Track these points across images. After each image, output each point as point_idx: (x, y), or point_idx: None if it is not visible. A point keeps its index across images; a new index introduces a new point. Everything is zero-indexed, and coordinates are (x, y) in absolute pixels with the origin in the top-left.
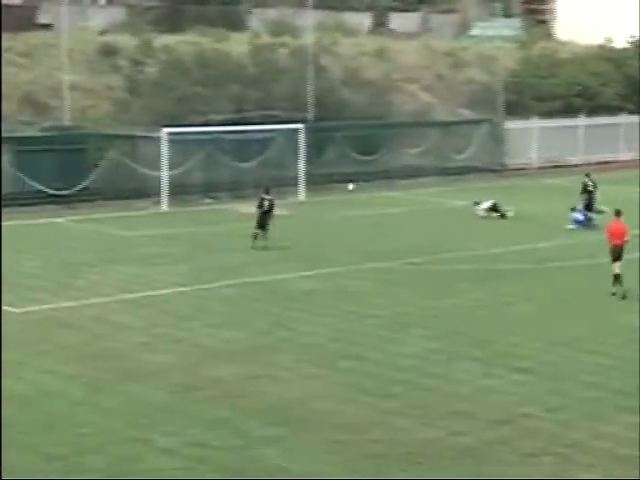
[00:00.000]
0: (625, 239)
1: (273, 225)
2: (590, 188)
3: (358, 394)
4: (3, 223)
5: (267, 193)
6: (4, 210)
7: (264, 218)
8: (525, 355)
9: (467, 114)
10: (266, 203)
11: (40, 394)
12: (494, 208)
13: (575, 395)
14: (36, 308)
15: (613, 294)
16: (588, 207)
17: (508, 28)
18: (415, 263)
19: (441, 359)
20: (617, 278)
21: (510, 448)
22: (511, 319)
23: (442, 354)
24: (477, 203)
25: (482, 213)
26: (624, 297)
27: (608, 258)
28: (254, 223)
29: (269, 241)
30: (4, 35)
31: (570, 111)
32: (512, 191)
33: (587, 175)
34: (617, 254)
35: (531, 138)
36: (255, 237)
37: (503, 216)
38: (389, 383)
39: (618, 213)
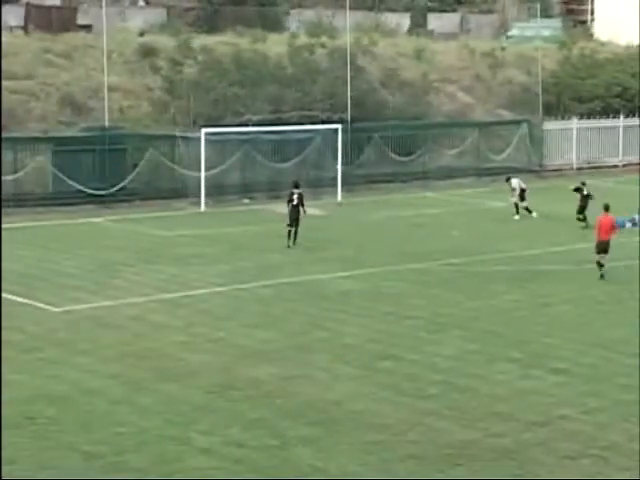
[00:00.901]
0: (611, 234)
1: (303, 219)
2: (585, 193)
3: (395, 395)
4: (42, 223)
5: (296, 187)
6: (42, 210)
7: (294, 212)
8: (562, 356)
9: (506, 115)
10: (295, 197)
11: (79, 393)
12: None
13: (612, 397)
14: (75, 307)
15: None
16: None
17: (547, 28)
18: (453, 264)
19: (479, 360)
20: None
21: (547, 450)
22: (548, 320)
23: (480, 355)
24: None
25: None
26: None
27: None
28: (287, 220)
29: (300, 237)
30: (44, 36)
31: (609, 112)
32: (551, 192)
33: (583, 183)
34: (602, 248)
35: (570, 139)
36: (289, 234)
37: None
38: (427, 384)
39: (607, 208)
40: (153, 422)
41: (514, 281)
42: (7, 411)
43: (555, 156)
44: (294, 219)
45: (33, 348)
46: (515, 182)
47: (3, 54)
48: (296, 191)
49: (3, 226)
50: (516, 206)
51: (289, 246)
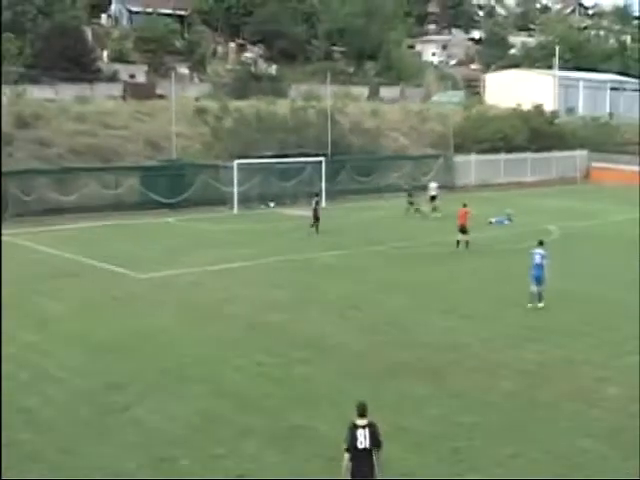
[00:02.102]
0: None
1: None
2: (411, 200)
3: (359, 332)
4: (133, 222)
5: (317, 195)
6: (133, 213)
7: (316, 212)
8: (468, 307)
9: (430, 151)
10: (313, 202)
11: (156, 330)
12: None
13: (498, 331)
14: (154, 275)
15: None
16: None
17: (455, 97)
18: (397, 247)
19: (413, 310)
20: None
21: (457, 367)
22: (459, 284)
23: (414, 307)
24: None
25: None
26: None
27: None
28: (311, 219)
29: (301, 231)
30: (135, 102)
31: (495, 150)
32: (457, 201)
33: (409, 195)
34: (461, 230)
35: (470, 167)
36: (312, 226)
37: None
38: (380, 325)
39: (465, 205)
40: (203, 350)
41: (439, 259)
42: (111, 340)
43: (461, 177)
44: (316, 217)
45: (129, 300)
46: (433, 185)
47: (110, 113)
48: (316, 198)
49: (107, 223)
50: (434, 207)
51: (309, 234)
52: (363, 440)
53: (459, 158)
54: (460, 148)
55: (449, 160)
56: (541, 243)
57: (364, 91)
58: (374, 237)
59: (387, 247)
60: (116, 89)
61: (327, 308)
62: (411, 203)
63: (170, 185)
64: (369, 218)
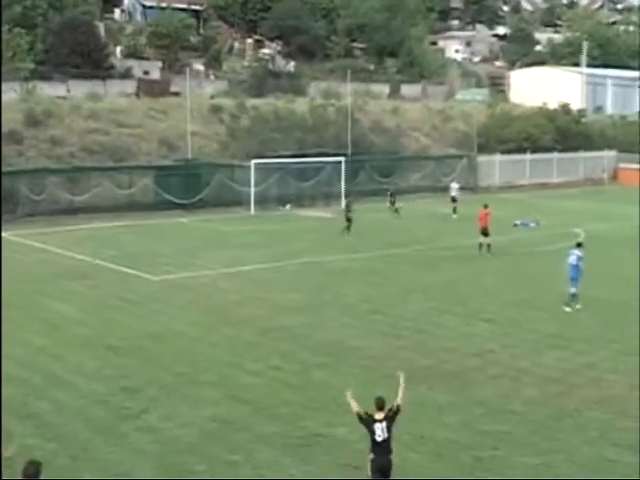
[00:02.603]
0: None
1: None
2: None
3: (379, 336)
4: (147, 222)
5: (348, 196)
6: (147, 213)
7: (349, 214)
8: (490, 310)
9: (452, 151)
10: (345, 203)
11: (171, 333)
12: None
13: (521, 337)
14: (168, 277)
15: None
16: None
17: (479, 95)
18: (417, 250)
19: (434, 313)
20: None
21: (479, 372)
22: (480, 286)
23: (435, 310)
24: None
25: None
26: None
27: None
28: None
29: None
30: (149, 99)
31: (520, 150)
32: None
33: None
34: (483, 232)
35: (494, 167)
36: (345, 229)
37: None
38: (400, 329)
39: (486, 206)
40: (218, 353)
41: (459, 261)
42: (124, 343)
43: (485, 179)
44: (349, 219)
45: (141, 303)
46: (454, 186)
47: (123, 110)
48: (348, 199)
49: (120, 224)
50: (454, 209)
51: (341, 234)
52: (381, 433)
53: (483, 158)
54: (484, 148)
55: (472, 160)
56: (579, 245)
57: (385, 89)
58: (394, 239)
59: (408, 250)
60: (129, 86)
61: (346, 311)
62: (392, 203)
63: (185, 185)
64: (389, 220)
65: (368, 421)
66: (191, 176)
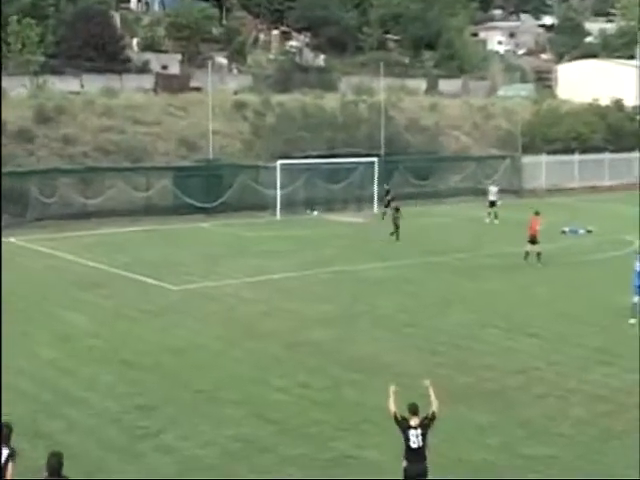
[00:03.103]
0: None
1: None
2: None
3: (415, 351)
4: (165, 227)
5: (392, 199)
6: (166, 218)
7: (396, 219)
8: (535, 324)
9: (494, 152)
10: (392, 208)
11: (191, 347)
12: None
13: (569, 354)
14: (189, 286)
15: None
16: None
17: (524, 90)
18: (457, 258)
19: (474, 326)
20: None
21: (523, 392)
22: (525, 298)
23: (475, 323)
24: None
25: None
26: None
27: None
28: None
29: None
30: (168, 95)
31: (568, 150)
32: (525, 207)
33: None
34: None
35: (540, 169)
36: (392, 234)
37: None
38: (437, 344)
39: (537, 213)
40: (242, 369)
41: (502, 270)
42: (142, 359)
43: (530, 181)
44: (397, 225)
45: (160, 314)
46: (493, 189)
47: (140, 107)
48: (395, 204)
49: (137, 229)
50: (495, 214)
51: (393, 240)
52: (416, 439)
53: (528, 159)
54: (529, 148)
55: (516, 161)
56: None
57: (421, 84)
58: (432, 247)
59: (446, 258)
60: (147, 81)
61: (379, 324)
62: (388, 203)
63: (206, 187)
64: (427, 226)
65: (403, 425)
66: (212, 178)
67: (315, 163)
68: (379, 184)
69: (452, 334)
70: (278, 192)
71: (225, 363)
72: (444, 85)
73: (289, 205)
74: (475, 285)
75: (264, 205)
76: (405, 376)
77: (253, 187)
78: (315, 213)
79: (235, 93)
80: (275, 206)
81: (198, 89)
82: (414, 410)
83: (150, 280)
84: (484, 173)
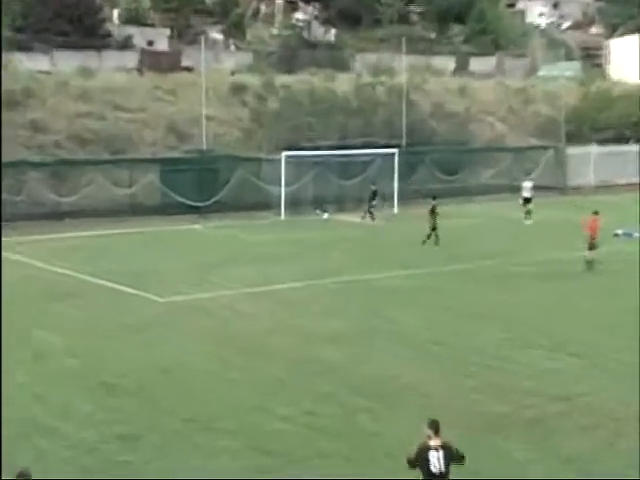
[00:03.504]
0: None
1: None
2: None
3: (441, 373)
4: (152, 229)
5: (434, 199)
6: (152, 218)
7: (434, 219)
8: (580, 342)
9: (534, 142)
10: (430, 205)
11: (179, 367)
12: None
13: (620, 377)
14: (177, 298)
15: None
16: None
17: (569, 70)
18: (489, 265)
19: (510, 345)
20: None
21: (568, 421)
22: (568, 312)
23: (511, 341)
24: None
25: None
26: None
27: None
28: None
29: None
30: (155, 76)
31: (621, 140)
32: (570, 206)
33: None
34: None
35: (588, 162)
36: (429, 237)
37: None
38: (467, 364)
39: (596, 213)
40: (240, 393)
41: (542, 279)
42: (122, 380)
43: (576, 176)
44: (434, 226)
45: (143, 330)
46: (527, 185)
47: (121, 90)
48: (433, 202)
49: (119, 231)
50: (528, 212)
51: (423, 243)
52: (437, 463)
53: (573, 150)
54: (575, 137)
55: (560, 153)
56: None
57: (449, 63)
58: (460, 251)
59: (477, 264)
60: (130, 59)
61: (399, 342)
62: (369, 210)
63: (199, 183)
64: (454, 228)
65: (422, 451)
66: (206, 172)
67: (326, 155)
68: (400, 179)
69: (484, 353)
70: (282, 189)
71: (219, 386)
72: (475, 64)
73: (295, 204)
74: (510, 297)
75: (266, 204)
76: (429, 402)
77: (253, 183)
78: (326, 215)
79: (232, 74)
80: (279, 205)
81: (189, 69)
82: (436, 427)
83: (133, 290)
84: (522, 167)
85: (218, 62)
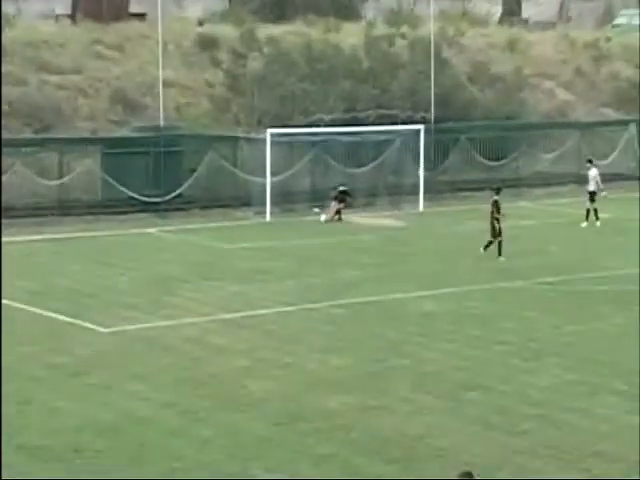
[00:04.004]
0: None
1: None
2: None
3: (483, 430)
4: (90, 233)
5: (497, 194)
6: (91, 219)
7: (497, 221)
8: None
9: (611, 114)
10: (491, 202)
11: (131, 423)
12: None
13: None
14: (127, 327)
15: None
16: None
17: None
18: (550, 282)
19: (579, 392)
20: None
21: None
22: None
23: (580, 386)
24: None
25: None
26: None
27: None
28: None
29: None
30: (94, 26)
31: None
32: None
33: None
34: None
35: None
36: (494, 245)
37: None
38: (519, 418)
39: None
40: (212, 456)
41: (619, 302)
42: (52, 442)
43: None
44: (499, 230)
45: (81, 372)
46: (592, 174)
47: (49, 45)
48: (494, 197)
49: (47, 237)
50: (594, 212)
51: (484, 254)
52: None
53: None
54: None
55: None
56: None
57: (495, 8)
58: (510, 265)
59: (529, 282)
60: (60, 3)
61: (425, 388)
62: (337, 213)
63: (154, 172)
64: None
65: None
66: (165, 156)
67: (327, 133)
68: (427, 166)
69: (542, 402)
70: (268, 179)
71: (184, 448)
72: (530, 9)
73: (285, 200)
74: (577, 326)
75: (246, 200)
76: (466, 468)
77: (229, 171)
78: (316, 210)
79: (200, 24)
80: (263, 201)
81: (141, 16)
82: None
83: (67, 318)
84: (593, 149)
85: (181, 7)
